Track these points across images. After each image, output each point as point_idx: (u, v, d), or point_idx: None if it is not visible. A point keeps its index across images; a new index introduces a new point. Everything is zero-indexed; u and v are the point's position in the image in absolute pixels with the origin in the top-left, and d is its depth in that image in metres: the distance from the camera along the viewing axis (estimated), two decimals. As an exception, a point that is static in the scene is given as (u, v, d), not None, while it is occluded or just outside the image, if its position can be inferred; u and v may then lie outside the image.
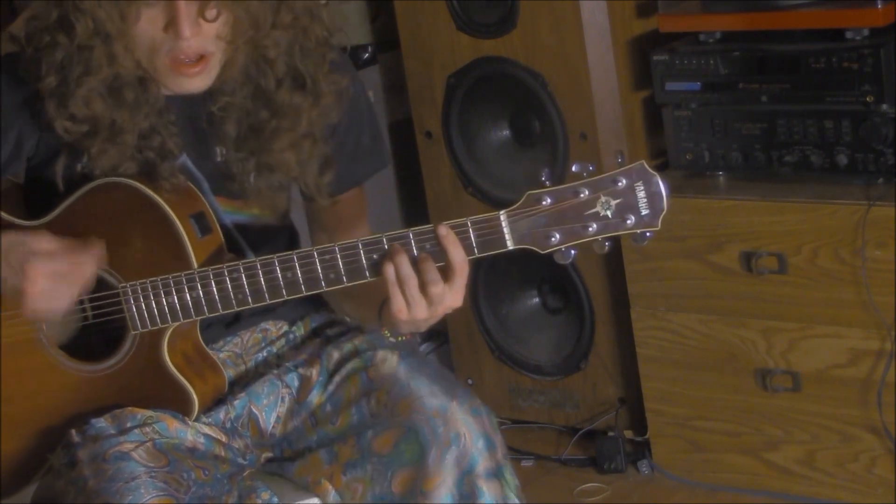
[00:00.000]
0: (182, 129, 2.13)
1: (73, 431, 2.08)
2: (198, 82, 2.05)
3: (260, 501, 2.09)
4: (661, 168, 3.27)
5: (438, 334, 3.90)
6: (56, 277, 1.98)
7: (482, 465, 2.02)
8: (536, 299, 3.57)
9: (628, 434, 3.38)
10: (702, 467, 3.23)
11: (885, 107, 2.86)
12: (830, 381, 2.99)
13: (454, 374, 3.69)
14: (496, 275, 3.53)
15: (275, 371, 2.20)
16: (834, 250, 2.91)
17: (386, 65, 3.71)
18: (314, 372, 2.18)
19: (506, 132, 3.44)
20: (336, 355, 2.18)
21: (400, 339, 2.10)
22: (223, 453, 2.13)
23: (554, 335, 3.53)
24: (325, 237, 2.27)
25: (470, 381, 3.64)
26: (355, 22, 3.75)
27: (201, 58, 2.02)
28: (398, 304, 1.93)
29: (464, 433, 2.02)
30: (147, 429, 2.06)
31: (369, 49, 3.69)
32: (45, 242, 2.00)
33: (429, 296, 1.92)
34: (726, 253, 3.05)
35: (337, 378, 2.15)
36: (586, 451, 3.44)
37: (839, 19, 2.91)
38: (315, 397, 2.16)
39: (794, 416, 3.06)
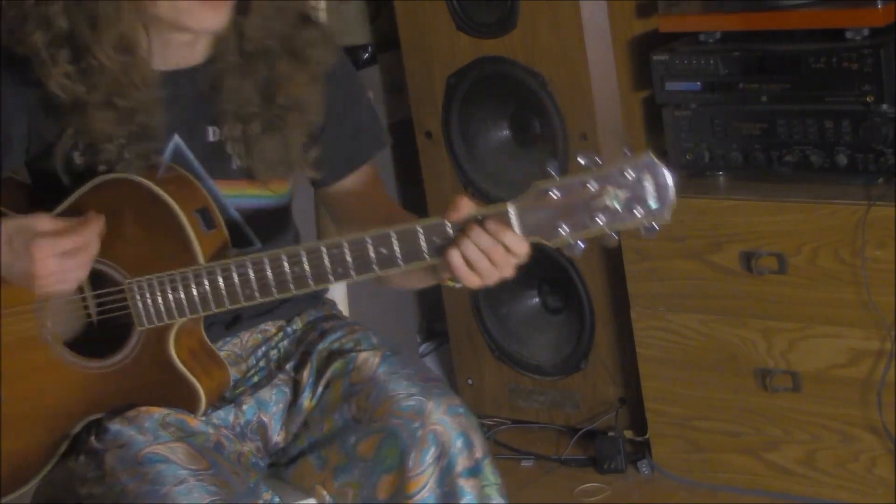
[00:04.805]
0: (172, 108, 2.12)
1: (93, 438, 2.06)
2: (222, 15, 2.04)
3: (261, 501, 2.09)
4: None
5: (438, 334, 3.90)
6: (64, 255, 1.98)
7: (461, 463, 2.02)
8: (536, 299, 3.57)
9: (628, 434, 3.38)
10: (702, 467, 3.22)
11: (885, 107, 2.86)
12: (830, 381, 2.99)
13: (453, 374, 3.70)
14: (496, 275, 3.53)
15: (281, 377, 2.19)
16: (834, 250, 2.91)
17: (386, 65, 3.71)
18: (305, 374, 2.18)
19: (506, 132, 3.43)
20: (325, 353, 2.18)
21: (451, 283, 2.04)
22: (245, 451, 2.13)
23: (554, 335, 3.53)
24: (354, 225, 2.21)
25: (470, 381, 3.64)
26: (355, 22, 3.75)
27: None
28: (474, 281, 1.92)
29: (441, 432, 2.02)
30: (171, 428, 2.04)
31: (369, 49, 3.68)
32: (46, 223, 1.99)
33: (496, 262, 1.90)
34: (726, 253, 3.05)
35: (323, 380, 2.15)
36: (586, 451, 3.44)
37: (839, 19, 2.91)
38: (306, 399, 2.16)
39: (794, 416, 3.06)
